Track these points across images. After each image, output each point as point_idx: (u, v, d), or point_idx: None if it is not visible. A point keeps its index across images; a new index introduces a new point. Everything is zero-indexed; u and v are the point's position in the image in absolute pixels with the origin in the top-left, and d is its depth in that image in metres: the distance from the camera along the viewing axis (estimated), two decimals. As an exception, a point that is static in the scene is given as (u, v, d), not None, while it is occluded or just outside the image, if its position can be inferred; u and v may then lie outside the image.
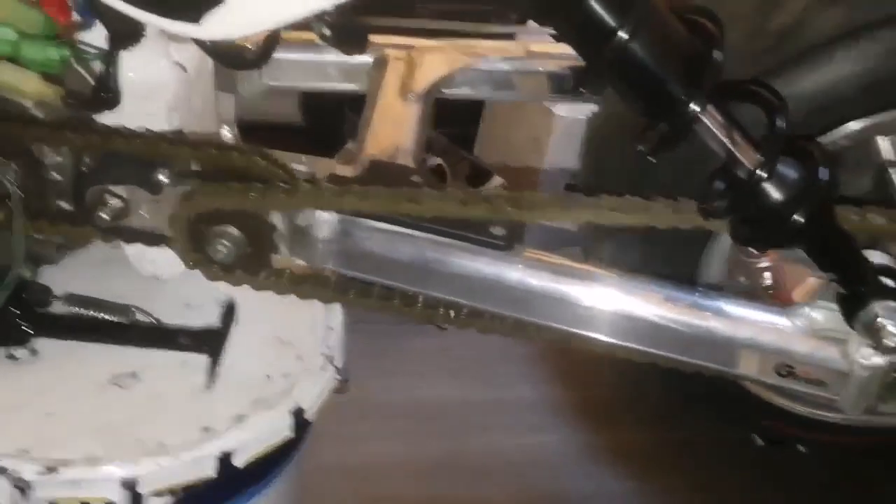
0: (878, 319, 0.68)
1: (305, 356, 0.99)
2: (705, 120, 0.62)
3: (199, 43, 0.73)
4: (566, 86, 1.01)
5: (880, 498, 1.40)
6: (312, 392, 0.96)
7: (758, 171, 0.64)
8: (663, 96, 0.60)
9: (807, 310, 0.74)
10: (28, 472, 0.81)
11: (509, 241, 0.79)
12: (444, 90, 1.06)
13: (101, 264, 1.04)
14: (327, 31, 0.67)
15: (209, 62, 0.94)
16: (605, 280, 0.77)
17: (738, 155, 0.64)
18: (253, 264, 0.83)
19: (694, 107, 0.61)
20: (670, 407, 1.58)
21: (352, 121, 1.93)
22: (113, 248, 1.01)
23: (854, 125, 0.86)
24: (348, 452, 1.43)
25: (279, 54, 1.02)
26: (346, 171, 0.86)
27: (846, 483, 1.41)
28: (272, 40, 0.82)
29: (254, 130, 1.04)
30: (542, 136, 1.90)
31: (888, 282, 0.69)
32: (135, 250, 0.95)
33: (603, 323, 0.77)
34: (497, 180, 1.90)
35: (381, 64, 1.03)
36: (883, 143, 0.86)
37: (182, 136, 0.82)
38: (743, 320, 0.75)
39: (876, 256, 0.71)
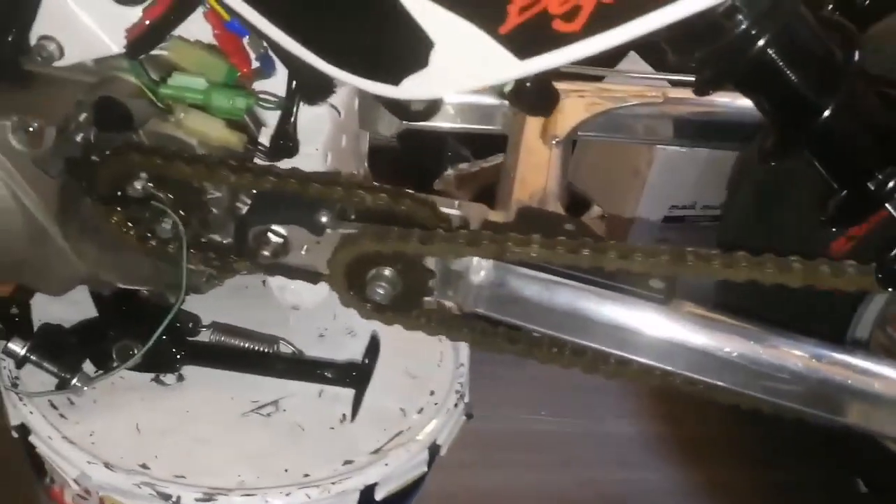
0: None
1: (437, 391, 1.01)
2: (836, 129, 0.61)
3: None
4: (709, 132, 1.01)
5: None
6: (446, 428, 0.98)
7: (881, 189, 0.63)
8: (859, 170, 0.60)
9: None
10: (188, 498, 0.83)
11: (668, 295, 0.80)
12: (580, 133, 1.08)
13: (238, 292, 1.08)
14: (514, 95, 0.68)
15: (356, 102, 0.97)
16: (757, 336, 0.78)
17: (862, 166, 0.63)
18: (405, 305, 0.85)
19: (888, 182, 0.61)
20: (770, 449, 1.56)
21: (454, 149, 1.95)
22: (250, 277, 1.04)
23: None
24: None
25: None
26: (499, 216, 0.88)
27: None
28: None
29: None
30: (642, 168, 1.90)
31: None
32: (279, 282, 0.98)
33: (751, 377, 0.78)
34: (596, 210, 1.91)
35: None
36: None
37: (346, 178, 0.84)
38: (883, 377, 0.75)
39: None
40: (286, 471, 0.89)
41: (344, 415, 0.97)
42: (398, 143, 2.15)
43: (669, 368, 0.82)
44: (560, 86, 1.03)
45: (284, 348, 0.99)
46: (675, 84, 1.15)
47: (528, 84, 0.67)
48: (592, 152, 1.99)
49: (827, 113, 0.57)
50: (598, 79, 1.10)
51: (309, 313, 1.03)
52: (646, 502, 1.56)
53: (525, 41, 0.60)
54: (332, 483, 0.87)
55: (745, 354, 0.78)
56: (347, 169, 0.98)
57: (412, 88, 0.65)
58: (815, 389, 0.76)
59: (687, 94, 1.09)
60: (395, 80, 0.65)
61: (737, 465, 1.62)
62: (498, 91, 0.71)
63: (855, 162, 0.61)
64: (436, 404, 1.00)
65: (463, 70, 0.63)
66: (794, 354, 0.77)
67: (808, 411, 0.78)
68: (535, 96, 0.67)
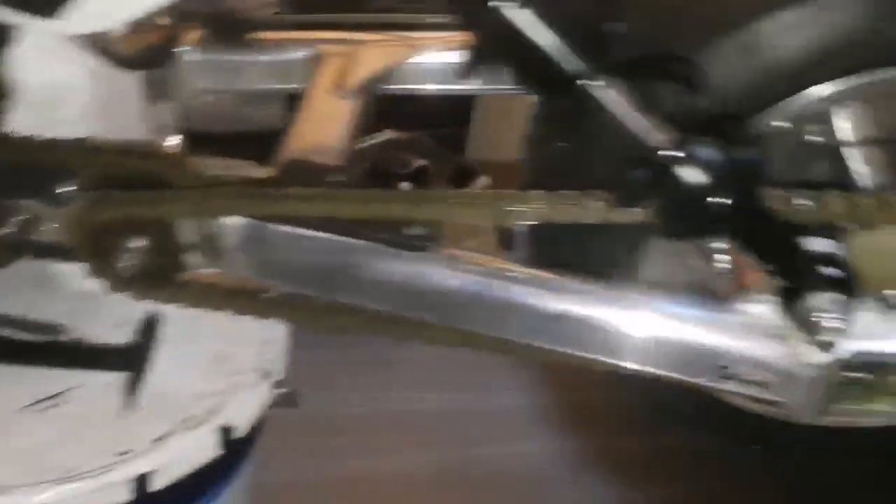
0: (815, 313, 0.61)
1: (240, 371, 0.95)
2: (606, 97, 0.56)
3: (85, 44, 0.68)
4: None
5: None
6: (243, 408, 0.91)
7: (673, 153, 0.58)
8: (558, 71, 0.54)
9: (748, 304, 0.67)
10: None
11: (427, 242, 0.73)
12: (385, 86, 1.01)
13: (32, 283, 1.00)
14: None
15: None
16: (524, 280, 0.71)
17: (649, 136, 0.58)
18: (163, 276, 0.78)
19: (593, 83, 0.55)
20: (664, 416, 1.50)
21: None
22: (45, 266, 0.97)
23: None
24: (327, 468, 1.38)
25: (208, 56, 0.98)
26: (260, 172, 0.81)
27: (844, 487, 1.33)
28: (168, 38, 0.78)
29: (233, 140, 1.01)
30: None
31: (830, 272, 0.62)
32: (68, 266, 0.91)
33: (523, 325, 0.71)
34: (483, 180, 1.84)
35: (316, 61, 0.98)
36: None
37: (82, 142, 0.77)
38: (672, 318, 0.68)
39: (818, 244, 0.65)
40: (50, 467, 0.82)
41: (133, 403, 0.90)
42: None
43: (445, 322, 0.76)
44: (356, 36, 0.97)
45: (65, 337, 0.92)
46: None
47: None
48: (488, 122, 1.93)
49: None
50: (405, 26, 1.03)
51: (109, 303, 0.96)
52: (535, 474, 1.50)
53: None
54: (100, 474, 0.80)
55: (511, 298, 0.72)
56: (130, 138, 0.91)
57: (73, 22, 0.58)
58: (580, 331, 0.69)
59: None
60: (54, 13, 0.58)
61: (628, 433, 1.56)
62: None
63: (552, 63, 0.54)
64: (236, 384, 0.93)
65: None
66: (560, 295, 0.71)
67: (584, 356, 0.71)
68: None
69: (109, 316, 0.98)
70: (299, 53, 0.99)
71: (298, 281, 0.77)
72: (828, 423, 0.72)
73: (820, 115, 0.72)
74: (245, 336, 0.98)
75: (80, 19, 0.58)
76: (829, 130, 0.75)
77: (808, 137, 0.73)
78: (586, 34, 0.54)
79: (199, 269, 0.79)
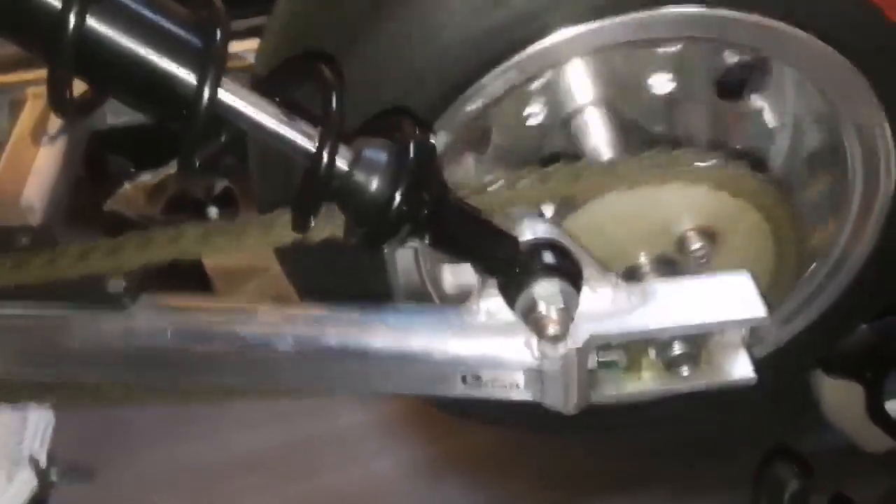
0: (538, 304, 0.55)
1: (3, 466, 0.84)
2: (237, 109, 0.48)
3: None
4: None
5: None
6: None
7: (339, 160, 0.51)
8: (163, 92, 0.46)
9: (481, 304, 0.61)
10: None
11: (127, 297, 0.64)
12: (109, 121, 0.91)
13: None
14: None
15: None
16: (231, 314, 0.63)
17: (311, 145, 0.50)
18: None
19: (212, 97, 0.47)
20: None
21: (115, 162, 1.75)
22: None
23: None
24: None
25: None
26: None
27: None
28: None
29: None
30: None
31: (546, 259, 0.56)
32: None
33: (249, 366, 0.63)
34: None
35: (17, 105, 0.88)
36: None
37: None
38: (402, 333, 0.61)
39: (539, 229, 0.59)
40: None
41: None
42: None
43: (173, 380, 0.67)
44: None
45: None
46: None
47: None
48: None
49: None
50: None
51: None
52: (391, 491, 1.43)
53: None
54: None
55: (217, 337, 0.64)
56: None
57: None
58: (295, 363, 0.62)
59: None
60: None
61: (478, 430, 1.50)
62: None
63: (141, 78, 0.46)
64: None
65: None
66: (272, 323, 0.63)
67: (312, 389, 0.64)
68: None
69: None
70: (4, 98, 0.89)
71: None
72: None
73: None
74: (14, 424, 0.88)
75: None
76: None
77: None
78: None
79: None
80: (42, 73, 0.91)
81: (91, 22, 0.44)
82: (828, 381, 1.14)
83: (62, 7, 0.44)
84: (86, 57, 0.46)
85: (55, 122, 0.84)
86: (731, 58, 0.72)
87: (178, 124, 0.48)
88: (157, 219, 1.61)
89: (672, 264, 0.68)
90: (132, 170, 1.72)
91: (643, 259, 0.67)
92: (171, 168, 1.71)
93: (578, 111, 0.69)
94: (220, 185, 1.68)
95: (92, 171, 1.45)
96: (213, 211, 1.73)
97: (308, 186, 0.51)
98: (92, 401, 0.72)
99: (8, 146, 0.82)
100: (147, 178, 1.76)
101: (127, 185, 1.73)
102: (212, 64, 0.47)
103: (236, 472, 1.43)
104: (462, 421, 1.06)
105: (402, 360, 0.61)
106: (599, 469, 1.34)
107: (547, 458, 1.38)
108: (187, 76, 0.47)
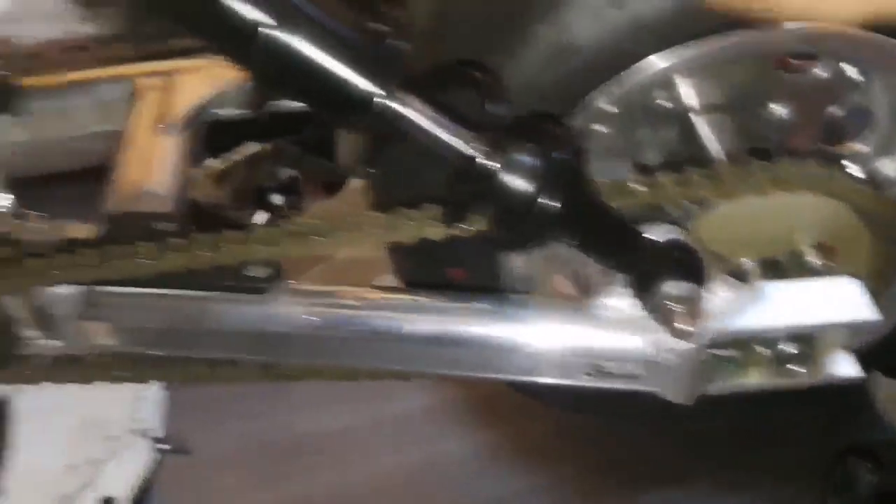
0: (668, 301, 0.59)
1: (114, 435, 0.89)
2: (403, 112, 0.51)
3: None
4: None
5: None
6: (122, 476, 0.85)
7: (483, 162, 0.54)
8: (340, 94, 0.50)
9: (608, 299, 0.65)
10: None
11: (267, 283, 0.68)
12: (216, 111, 0.95)
13: None
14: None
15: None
16: (375, 304, 0.67)
17: (455, 147, 0.54)
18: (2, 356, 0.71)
19: (389, 101, 0.51)
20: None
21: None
22: None
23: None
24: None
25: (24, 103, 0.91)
26: (81, 231, 0.75)
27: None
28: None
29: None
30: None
31: (676, 258, 0.60)
32: None
33: (382, 351, 0.67)
34: (355, 184, 1.79)
35: (134, 97, 0.91)
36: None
37: None
38: (534, 324, 0.65)
39: (663, 232, 0.62)
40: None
41: (-2, 490, 0.83)
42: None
43: (302, 361, 0.71)
44: (175, 64, 0.90)
45: None
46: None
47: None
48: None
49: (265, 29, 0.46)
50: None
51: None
52: (443, 475, 1.47)
53: None
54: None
55: (363, 325, 0.68)
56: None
57: None
58: (434, 351, 0.66)
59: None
60: None
61: (530, 417, 1.54)
62: None
63: (331, 86, 0.50)
64: (113, 452, 0.87)
65: None
66: (411, 314, 0.67)
67: (449, 374, 0.68)
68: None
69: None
70: (116, 92, 0.93)
71: (143, 342, 0.71)
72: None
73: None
74: (115, 396, 0.92)
75: None
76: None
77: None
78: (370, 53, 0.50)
79: (39, 343, 0.73)
80: (157, 65, 0.95)
81: (278, 34, 0.48)
82: (884, 379, 1.17)
83: (253, 21, 0.47)
84: (273, 64, 0.49)
85: (176, 110, 0.87)
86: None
87: (349, 125, 0.52)
88: (224, 204, 1.64)
89: (779, 267, 0.71)
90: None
91: (756, 260, 0.70)
92: (237, 154, 1.74)
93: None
94: (286, 173, 1.71)
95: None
96: (277, 198, 1.76)
97: (461, 185, 0.55)
98: (208, 379, 0.76)
99: (129, 135, 0.86)
100: (215, 163, 1.80)
101: (197, 171, 1.77)
102: (385, 71, 0.50)
103: (302, 451, 1.47)
104: (533, 401, 1.10)
105: (534, 350, 0.64)
106: (651, 457, 1.37)
107: (598, 445, 1.41)
108: (362, 82, 0.50)
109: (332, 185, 1.60)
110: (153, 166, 0.83)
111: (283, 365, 0.71)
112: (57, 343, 0.74)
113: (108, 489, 0.83)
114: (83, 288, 0.70)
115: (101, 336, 0.72)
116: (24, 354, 0.74)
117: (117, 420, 0.90)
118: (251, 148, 1.59)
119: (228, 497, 1.32)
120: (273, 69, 0.48)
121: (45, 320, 0.72)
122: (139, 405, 0.91)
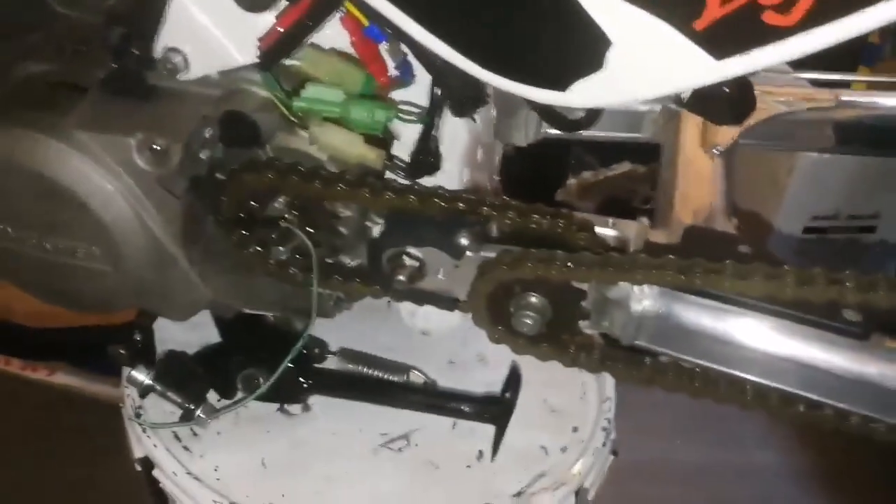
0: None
1: (581, 428, 0.92)
2: None
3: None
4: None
5: None
6: (594, 470, 0.89)
7: None
8: None
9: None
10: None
11: (865, 329, 0.68)
12: (742, 140, 0.96)
13: (361, 315, 1.01)
14: (698, 101, 0.58)
15: (493, 109, 0.89)
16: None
17: None
18: (558, 336, 0.76)
19: None
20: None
21: (578, 155, 1.86)
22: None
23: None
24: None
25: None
26: (659, 237, 0.79)
27: None
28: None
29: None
30: (781, 176, 1.76)
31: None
32: (408, 306, 0.91)
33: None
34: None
35: (672, 113, 0.94)
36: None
37: (489, 196, 0.76)
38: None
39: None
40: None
41: (481, 451, 0.89)
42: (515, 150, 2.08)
43: (868, 413, 0.71)
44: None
45: (415, 377, 0.92)
46: (816, 84, 1.03)
47: (725, 89, 0.57)
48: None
49: None
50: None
51: (438, 338, 0.95)
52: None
53: (725, 38, 0.51)
54: (474, 529, 0.79)
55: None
56: (481, 183, 0.90)
57: (583, 95, 0.56)
58: None
59: (861, 96, 0.97)
60: (563, 86, 0.56)
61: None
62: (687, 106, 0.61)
63: None
64: (581, 442, 0.91)
65: (645, 74, 0.54)
66: None
67: None
68: (729, 103, 0.57)
69: (441, 354, 0.98)
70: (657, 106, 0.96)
71: (708, 355, 0.73)
72: None
73: None
74: (576, 388, 0.96)
75: (592, 94, 0.56)
76: None
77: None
78: None
79: (593, 332, 0.77)
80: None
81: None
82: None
83: None
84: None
85: (721, 134, 0.89)
86: None
87: None
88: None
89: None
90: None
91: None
92: (610, 171, 1.78)
93: None
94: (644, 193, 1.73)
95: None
96: (643, 220, 1.78)
97: None
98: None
99: (683, 156, 0.88)
100: (588, 175, 1.84)
101: (572, 179, 1.83)
102: None
103: (650, 477, 1.47)
104: None
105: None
106: None
107: None
108: None
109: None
110: (710, 188, 0.85)
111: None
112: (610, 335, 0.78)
113: (583, 480, 0.87)
114: (660, 290, 0.73)
115: (663, 339, 0.75)
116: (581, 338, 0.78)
117: (582, 414, 0.94)
118: (626, 165, 1.62)
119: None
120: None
121: (609, 312, 0.75)
122: (605, 406, 0.94)
